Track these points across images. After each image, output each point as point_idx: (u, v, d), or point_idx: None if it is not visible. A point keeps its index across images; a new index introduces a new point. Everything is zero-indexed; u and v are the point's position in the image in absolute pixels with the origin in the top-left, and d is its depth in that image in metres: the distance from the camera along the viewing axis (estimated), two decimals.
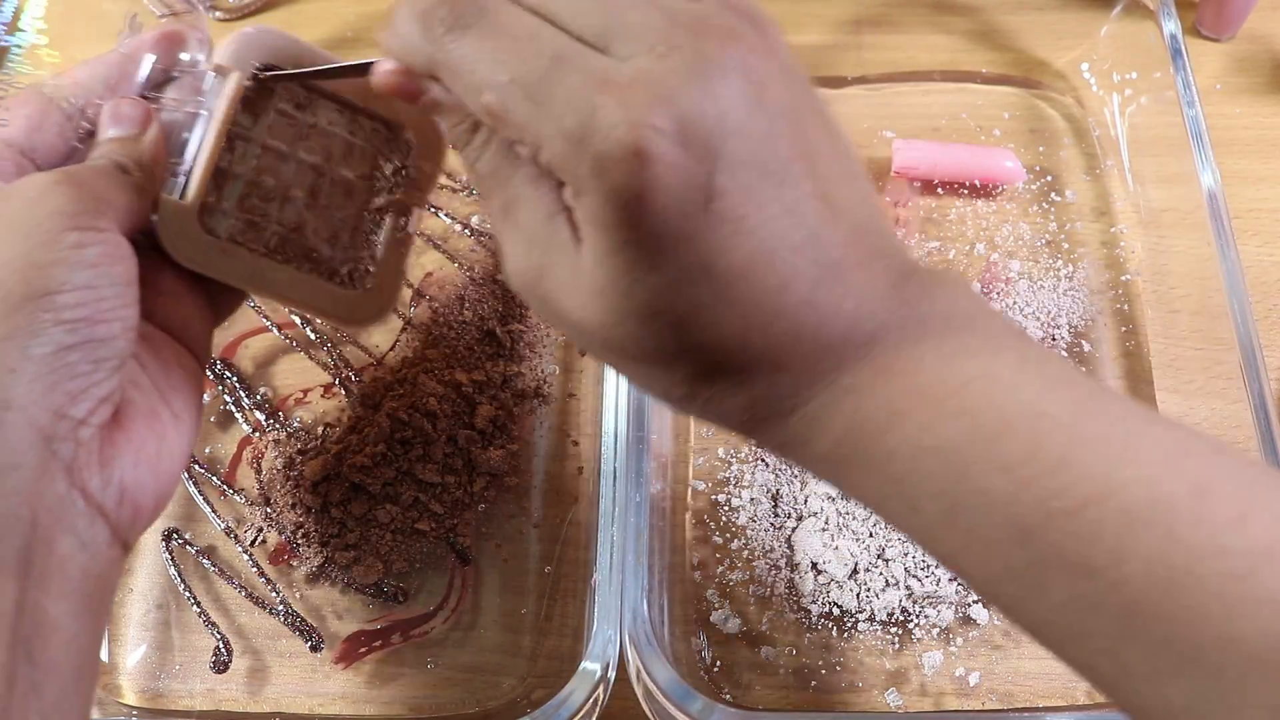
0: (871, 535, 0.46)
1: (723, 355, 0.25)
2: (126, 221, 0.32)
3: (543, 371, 0.53)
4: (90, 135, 0.35)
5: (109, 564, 0.31)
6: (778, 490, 0.48)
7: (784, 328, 0.25)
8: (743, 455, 0.50)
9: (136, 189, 0.33)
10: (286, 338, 0.54)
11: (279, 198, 0.36)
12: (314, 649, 0.46)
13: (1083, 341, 0.53)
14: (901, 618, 0.46)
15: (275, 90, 0.36)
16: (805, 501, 0.47)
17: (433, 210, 0.58)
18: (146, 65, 0.35)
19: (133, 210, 0.32)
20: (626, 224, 0.23)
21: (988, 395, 0.24)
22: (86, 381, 0.29)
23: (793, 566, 0.47)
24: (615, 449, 0.44)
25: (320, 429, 0.51)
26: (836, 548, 0.46)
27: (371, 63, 0.28)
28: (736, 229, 0.24)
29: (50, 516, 0.28)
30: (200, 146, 0.35)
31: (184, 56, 0.36)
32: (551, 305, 0.27)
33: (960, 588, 0.46)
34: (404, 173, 0.38)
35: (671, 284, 0.24)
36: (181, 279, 0.36)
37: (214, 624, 0.47)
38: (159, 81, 0.36)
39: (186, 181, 0.34)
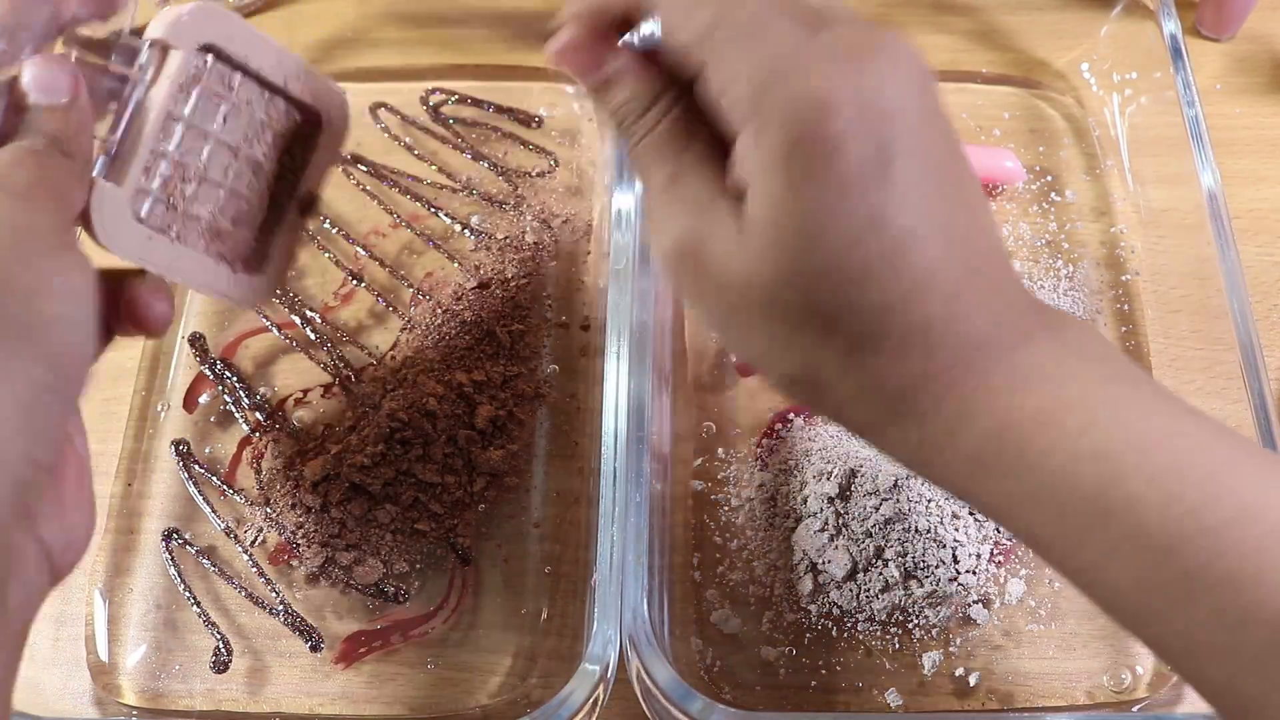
0: (870, 536, 0.46)
1: (884, 322, 0.25)
2: (78, 214, 0.30)
3: (543, 371, 0.53)
4: None
5: (38, 607, 0.29)
6: (777, 490, 0.48)
7: (940, 308, 0.25)
8: (742, 455, 0.50)
9: (81, 176, 0.30)
10: (286, 338, 0.54)
11: (198, 179, 0.36)
12: (314, 649, 0.46)
13: None
14: (901, 618, 0.46)
15: (205, 69, 0.35)
16: (804, 502, 0.47)
17: (433, 210, 0.58)
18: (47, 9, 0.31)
19: (81, 201, 0.30)
20: (810, 165, 0.24)
21: (1135, 410, 0.25)
22: (56, 422, 0.27)
23: (792, 567, 0.47)
24: (615, 449, 0.44)
25: (320, 429, 0.51)
26: (836, 548, 0.46)
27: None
28: (910, 197, 0.25)
29: (4, 569, 0.27)
30: (133, 124, 0.33)
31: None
32: (709, 271, 0.27)
33: (960, 588, 0.46)
34: (309, 157, 0.38)
35: (845, 235, 0.25)
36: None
37: (214, 624, 0.47)
38: (76, 39, 0.32)
39: (114, 162, 0.32)
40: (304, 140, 0.39)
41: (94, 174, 0.32)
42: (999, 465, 0.26)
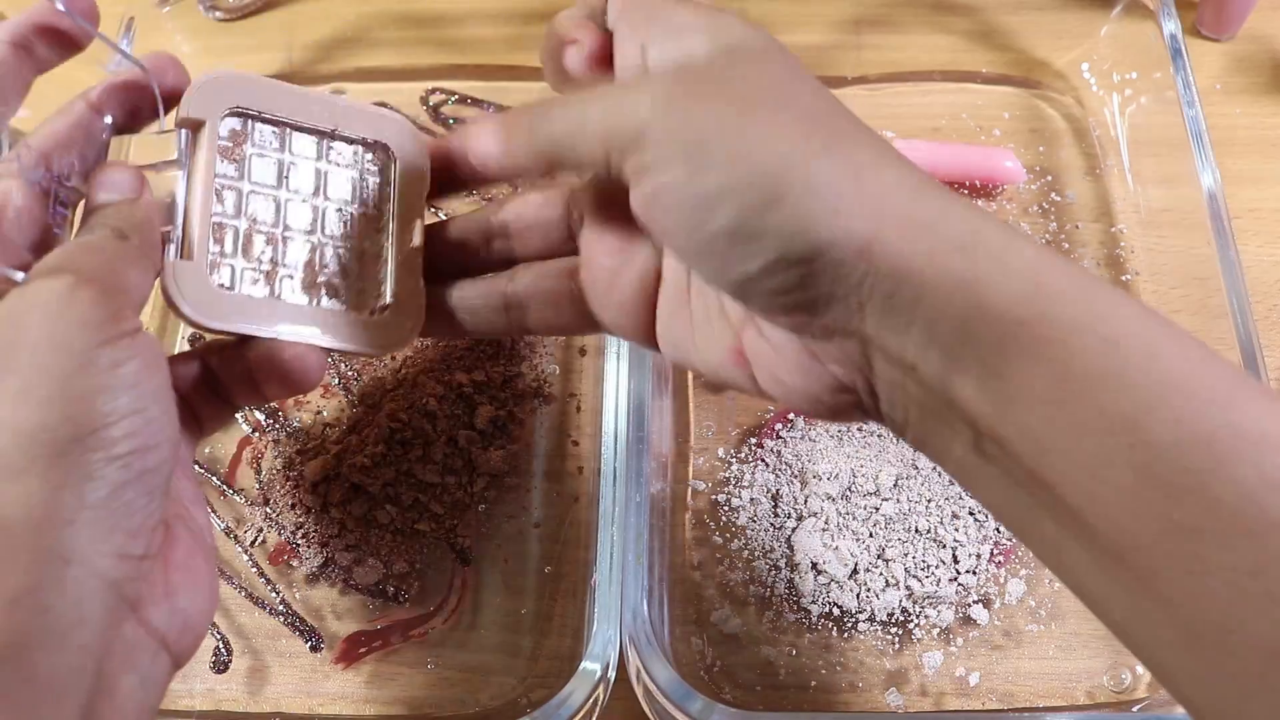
0: (871, 535, 0.46)
1: (788, 178, 0.26)
2: (140, 302, 0.29)
3: (543, 371, 0.53)
4: (62, 206, 0.31)
5: (162, 692, 0.29)
6: (778, 490, 0.48)
7: (831, 154, 0.27)
8: (742, 455, 0.50)
9: (140, 259, 0.30)
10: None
11: (278, 239, 0.36)
12: (314, 649, 0.46)
13: None
14: (902, 618, 0.46)
15: (248, 134, 0.35)
16: (805, 501, 0.47)
17: (432, 210, 0.58)
18: (107, 124, 0.33)
19: (143, 286, 0.30)
20: (678, 79, 0.28)
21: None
22: (143, 515, 0.27)
23: (792, 566, 0.47)
24: (615, 449, 0.44)
25: (320, 429, 0.51)
26: (836, 548, 0.46)
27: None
28: (756, 81, 0.28)
29: (115, 662, 0.26)
30: (189, 202, 0.33)
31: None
32: (662, 217, 0.29)
33: (960, 588, 0.46)
34: (394, 185, 0.38)
35: (718, 113, 0.27)
36: (181, 365, 0.34)
37: (214, 624, 0.47)
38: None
39: (183, 241, 0.33)
40: (385, 173, 0.38)
41: (167, 258, 0.32)
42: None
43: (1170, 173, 0.54)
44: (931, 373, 0.26)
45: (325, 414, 0.52)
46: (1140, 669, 0.45)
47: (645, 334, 0.34)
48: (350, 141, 0.37)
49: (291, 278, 0.36)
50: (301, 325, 0.35)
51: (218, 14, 0.63)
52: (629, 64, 0.31)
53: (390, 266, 0.37)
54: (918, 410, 0.27)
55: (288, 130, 0.36)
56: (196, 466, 0.51)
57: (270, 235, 0.35)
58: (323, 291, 0.36)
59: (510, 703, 0.45)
